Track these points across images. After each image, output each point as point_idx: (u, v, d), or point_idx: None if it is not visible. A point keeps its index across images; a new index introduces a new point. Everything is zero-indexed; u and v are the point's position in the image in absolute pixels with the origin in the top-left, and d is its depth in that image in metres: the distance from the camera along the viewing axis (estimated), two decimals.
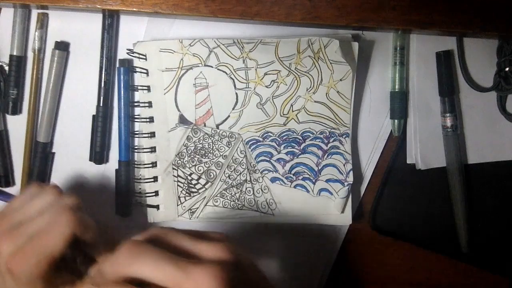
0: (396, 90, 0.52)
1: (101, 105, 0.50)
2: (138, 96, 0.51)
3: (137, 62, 0.50)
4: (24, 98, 0.51)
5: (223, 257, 0.31)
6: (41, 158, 0.50)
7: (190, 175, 0.51)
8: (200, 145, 0.51)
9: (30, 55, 0.50)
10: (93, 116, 0.51)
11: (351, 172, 0.51)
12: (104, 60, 0.49)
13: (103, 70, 0.49)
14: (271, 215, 0.51)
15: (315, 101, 0.51)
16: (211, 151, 0.51)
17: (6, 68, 0.50)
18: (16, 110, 0.50)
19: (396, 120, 0.52)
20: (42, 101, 0.50)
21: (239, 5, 0.45)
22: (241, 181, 0.51)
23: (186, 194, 0.51)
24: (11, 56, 0.49)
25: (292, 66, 0.50)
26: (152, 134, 0.51)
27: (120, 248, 0.30)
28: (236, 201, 0.51)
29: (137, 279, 0.29)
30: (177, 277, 0.29)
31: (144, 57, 0.50)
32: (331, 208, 0.51)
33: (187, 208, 0.51)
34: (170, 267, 0.29)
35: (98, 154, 0.51)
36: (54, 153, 0.52)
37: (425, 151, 0.52)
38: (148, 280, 0.29)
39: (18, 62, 0.49)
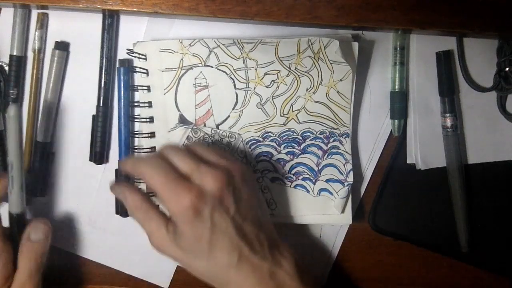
0: (396, 90, 0.52)
1: (101, 105, 0.50)
2: (138, 96, 0.51)
3: (137, 62, 0.50)
4: (24, 98, 0.51)
5: (230, 168, 0.42)
6: (41, 158, 0.50)
7: None
8: None
9: (30, 55, 0.50)
10: (93, 116, 0.51)
11: (351, 172, 0.51)
12: (104, 60, 0.49)
13: (103, 70, 0.49)
14: (271, 215, 0.51)
15: (315, 101, 0.51)
16: None
17: (6, 68, 0.50)
18: None
19: (396, 120, 0.52)
20: (42, 101, 0.50)
21: (239, 5, 0.45)
22: None
23: None
24: (11, 56, 0.49)
25: (292, 66, 0.50)
26: (152, 134, 0.51)
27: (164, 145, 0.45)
28: None
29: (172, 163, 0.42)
30: (191, 167, 0.41)
31: (144, 57, 0.50)
32: (331, 208, 0.51)
33: None
34: (190, 160, 0.42)
35: (98, 154, 0.51)
36: (54, 153, 0.52)
37: (425, 151, 0.52)
38: (175, 165, 0.42)
39: (18, 62, 0.49)
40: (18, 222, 0.45)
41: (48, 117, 0.50)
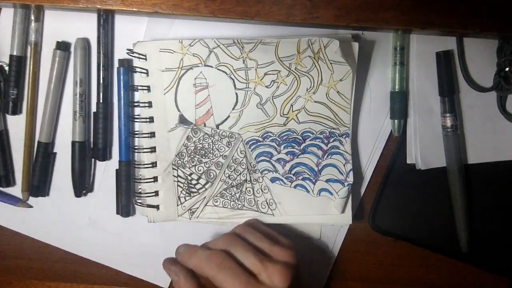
0: (396, 90, 0.52)
1: (101, 101, 0.50)
2: (138, 96, 0.51)
3: (137, 62, 0.50)
4: (24, 98, 0.51)
5: (290, 261, 0.44)
6: (42, 158, 0.50)
7: (190, 175, 0.51)
8: (200, 145, 0.51)
9: (28, 50, 0.50)
10: (94, 113, 0.51)
11: (351, 172, 0.51)
12: (101, 56, 0.49)
13: (101, 66, 0.49)
14: (271, 215, 0.51)
15: (315, 101, 0.51)
16: (211, 151, 0.51)
17: (6, 68, 0.50)
18: (16, 110, 0.50)
19: (396, 120, 0.52)
20: (44, 101, 0.50)
21: (239, 5, 0.45)
22: (241, 181, 0.51)
23: (186, 194, 0.51)
24: (11, 56, 0.49)
25: (292, 66, 0.50)
26: (152, 134, 0.51)
27: (221, 236, 0.47)
28: (236, 201, 0.51)
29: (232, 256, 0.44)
30: (257, 266, 0.43)
31: (144, 57, 0.50)
32: (331, 208, 0.51)
33: (187, 208, 0.51)
34: (254, 258, 0.43)
35: (101, 151, 0.51)
36: (55, 153, 0.52)
37: (425, 151, 0.52)
38: (240, 262, 0.43)
39: (18, 62, 0.49)
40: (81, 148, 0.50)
41: (50, 117, 0.50)
